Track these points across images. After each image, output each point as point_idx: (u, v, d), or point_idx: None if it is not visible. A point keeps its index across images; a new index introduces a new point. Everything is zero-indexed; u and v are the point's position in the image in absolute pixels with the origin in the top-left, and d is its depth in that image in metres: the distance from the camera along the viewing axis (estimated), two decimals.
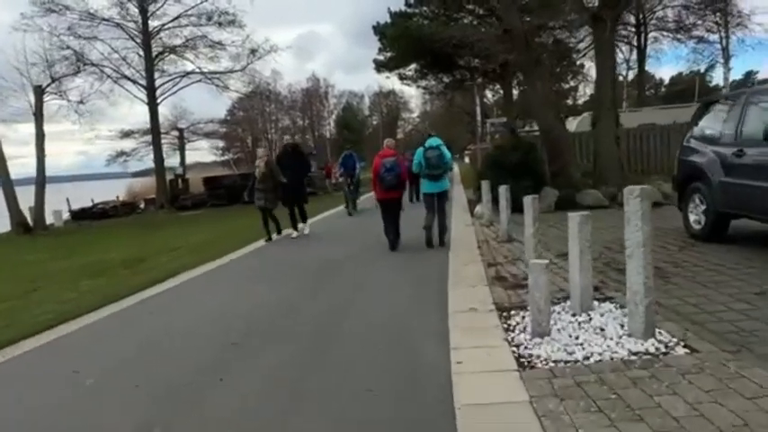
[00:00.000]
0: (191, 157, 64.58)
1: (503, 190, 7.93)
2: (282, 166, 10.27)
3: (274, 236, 10.48)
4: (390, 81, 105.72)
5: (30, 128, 23.34)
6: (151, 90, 28.67)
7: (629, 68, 50.07)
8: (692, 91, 41.33)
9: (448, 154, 7.82)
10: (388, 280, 6.21)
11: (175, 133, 38.25)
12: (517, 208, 7.46)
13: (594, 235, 4.33)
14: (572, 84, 64.90)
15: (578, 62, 47.79)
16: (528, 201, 5.87)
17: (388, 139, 9.32)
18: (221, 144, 58.93)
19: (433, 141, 7.74)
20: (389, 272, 6.69)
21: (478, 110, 24.66)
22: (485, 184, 9.57)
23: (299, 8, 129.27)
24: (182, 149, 38.29)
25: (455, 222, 10.40)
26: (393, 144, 8.75)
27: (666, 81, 58.34)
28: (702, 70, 41.22)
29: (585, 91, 65.34)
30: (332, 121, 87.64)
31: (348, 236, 10.64)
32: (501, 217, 7.87)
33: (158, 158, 29.88)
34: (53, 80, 23.59)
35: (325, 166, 30.50)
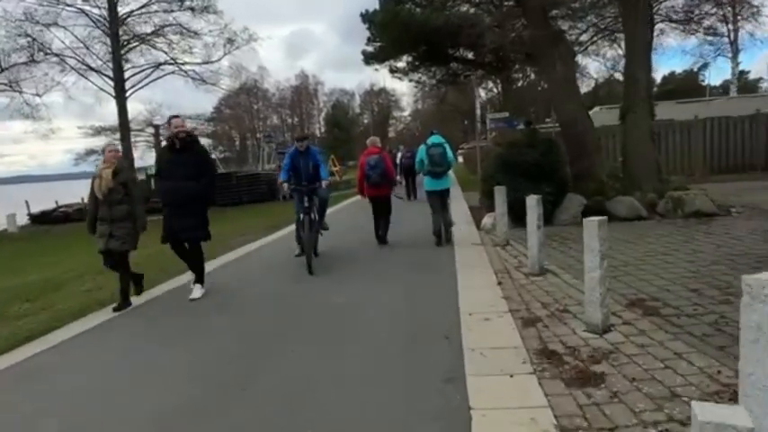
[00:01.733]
0: None
1: (533, 202, 5.75)
2: (163, 174, 5.89)
3: (134, 298, 5.84)
4: (381, 77, 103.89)
5: (24, 125, 20.89)
6: (119, 82, 26.20)
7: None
8: (683, 90, 39.79)
9: (450, 152, 7.79)
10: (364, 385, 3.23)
11: (151, 130, 35.88)
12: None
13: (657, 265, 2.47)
14: None
15: (576, 59, 46.27)
16: (594, 225, 3.67)
17: (370, 137, 8.96)
18: (207, 142, 56.80)
19: (436, 139, 7.75)
20: (368, 366, 3.54)
21: (477, 103, 22.51)
22: (499, 192, 7.38)
23: (291, 6, 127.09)
24: (158, 147, 35.81)
25: (458, 238, 8.24)
26: (376, 142, 8.43)
27: (659, 80, 56.57)
28: (696, 69, 39.63)
29: (583, 89, 64.04)
30: (321, 120, 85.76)
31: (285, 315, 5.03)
32: (530, 241, 5.69)
33: (127, 158, 27.40)
34: (2, 69, 21.09)
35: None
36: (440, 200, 7.78)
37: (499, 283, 5.27)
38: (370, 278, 6.10)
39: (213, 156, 64.71)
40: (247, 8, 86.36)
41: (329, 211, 15.31)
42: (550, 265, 5.79)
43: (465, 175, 28.11)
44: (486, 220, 8.91)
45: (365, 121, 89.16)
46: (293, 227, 9.62)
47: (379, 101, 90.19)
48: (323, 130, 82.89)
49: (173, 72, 27.72)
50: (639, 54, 9.95)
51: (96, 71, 26.24)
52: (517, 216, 8.35)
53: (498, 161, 9.27)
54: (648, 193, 9.44)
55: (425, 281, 5.71)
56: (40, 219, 25.80)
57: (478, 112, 20.59)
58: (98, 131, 34.45)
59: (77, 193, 30.06)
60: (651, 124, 9.96)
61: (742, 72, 45.12)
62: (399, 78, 28.37)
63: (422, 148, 7.87)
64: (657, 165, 9.92)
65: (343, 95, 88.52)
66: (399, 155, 17.06)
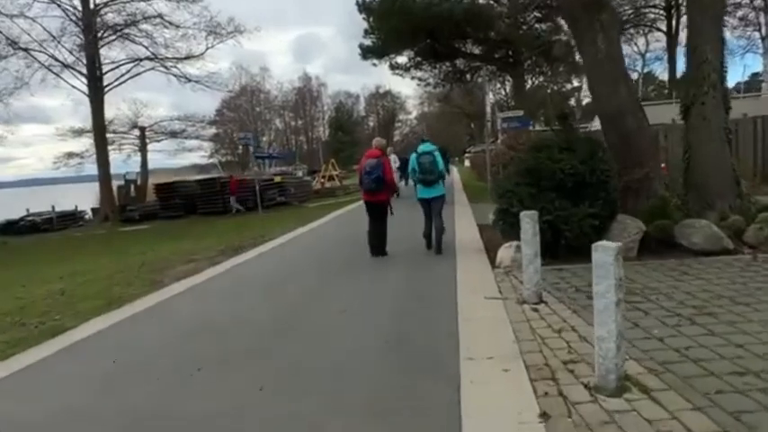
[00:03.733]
0: (187, 159, 59.78)
1: (608, 256, 3.00)
2: None
3: None
4: (387, 80, 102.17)
5: (33, 128, 18.65)
6: (93, 79, 23.94)
7: (644, 65, 45.62)
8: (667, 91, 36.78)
9: (440, 161, 7.54)
10: None
11: (136, 132, 33.59)
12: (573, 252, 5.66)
13: None
14: (575, 83, 61.10)
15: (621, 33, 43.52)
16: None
17: (376, 138, 8.41)
18: (208, 145, 54.40)
19: (426, 147, 7.60)
20: None
21: (488, 99, 19.91)
22: (529, 221, 4.70)
23: (297, 10, 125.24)
24: (143, 150, 33.52)
25: (466, 282, 5.72)
26: (382, 144, 8.02)
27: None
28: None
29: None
30: (325, 122, 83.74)
31: None
32: (598, 326, 3.01)
33: (103, 160, 25.12)
34: None
35: (230, 180, 23.13)
36: (431, 207, 7.61)
37: (542, 416, 2.70)
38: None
39: (214, 159, 62.84)
40: (252, 12, 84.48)
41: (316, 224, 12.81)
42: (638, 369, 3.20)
43: (473, 181, 25.52)
44: (504, 252, 6.34)
45: (371, 123, 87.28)
46: (261, 250, 8.78)
47: (385, 103, 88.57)
48: (326, 133, 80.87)
49: (152, 68, 25.41)
50: (709, 25, 7.36)
51: (69, 67, 23.99)
52: (548, 248, 5.82)
53: (519, 170, 6.70)
54: (725, 213, 6.86)
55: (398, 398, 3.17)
56: (5, 229, 23.53)
57: (488, 109, 17.97)
58: (78, 133, 32.19)
59: (57, 200, 27.84)
60: (725, 120, 7.37)
61: (755, 74, 42.19)
62: (400, 75, 25.91)
63: (413, 156, 7.74)
64: (735, 174, 7.31)
65: (348, 98, 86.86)
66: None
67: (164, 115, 60.32)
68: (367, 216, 7.61)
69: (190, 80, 25.98)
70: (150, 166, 32.91)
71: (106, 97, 24.51)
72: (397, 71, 25.86)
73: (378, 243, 7.54)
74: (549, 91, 55.98)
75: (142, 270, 8.61)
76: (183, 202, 23.89)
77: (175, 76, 25.72)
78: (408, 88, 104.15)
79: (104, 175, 25.00)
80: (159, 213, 23.83)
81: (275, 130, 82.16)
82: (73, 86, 24.33)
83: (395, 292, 5.53)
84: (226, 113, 76.73)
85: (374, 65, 23.98)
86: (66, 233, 22.77)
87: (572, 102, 64.37)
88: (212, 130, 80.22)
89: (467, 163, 50.30)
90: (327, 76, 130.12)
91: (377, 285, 5.92)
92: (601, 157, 6.39)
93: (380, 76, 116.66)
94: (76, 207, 26.98)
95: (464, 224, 10.23)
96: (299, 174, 44.08)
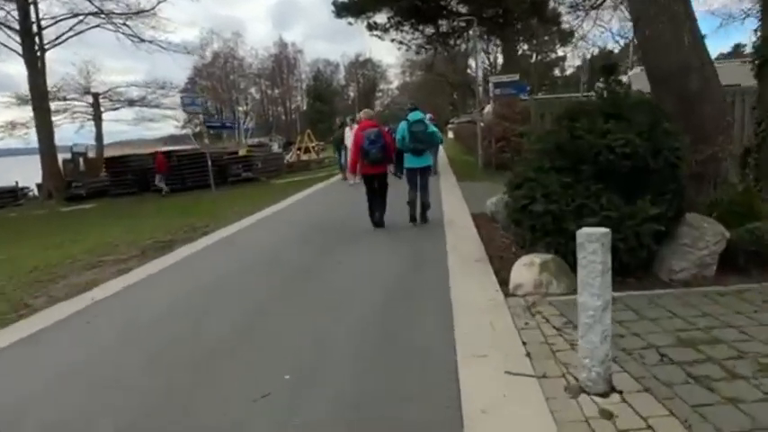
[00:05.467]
0: (161, 131, 56.30)
1: None
2: None
3: None
4: (367, 48, 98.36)
5: None
6: (27, 36, 20.88)
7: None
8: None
9: (436, 130, 7.64)
10: None
11: (89, 99, 30.51)
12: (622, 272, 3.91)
13: None
14: (560, 53, 58.96)
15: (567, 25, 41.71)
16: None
17: (364, 110, 8.28)
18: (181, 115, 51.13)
19: (417, 115, 7.31)
20: None
21: (476, 62, 17.56)
22: (593, 245, 2.55)
23: None
24: (97, 120, 30.53)
25: (462, 321, 3.66)
26: (372, 115, 7.90)
27: None
28: None
29: (575, 61, 59.58)
30: (303, 92, 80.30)
31: None
32: None
33: (45, 132, 22.19)
34: None
35: (156, 156, 19.96)
36: (420, 177, 7.40)
37: None
38: None
39: (187, 130, 59.38)
40: None
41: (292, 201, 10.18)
42: None
43: (459, 155, 23.38)
44: (523, 272, 4.24)
45: (351, 93, 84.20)
46: (194, 248, 7.26)
47: (365, 72, 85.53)
48: (305, 103, 77.57)
49: (98, 26, 22.36)
50: None
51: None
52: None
53: (545, 147, 4.57)
54: None
55: None
56: None
57: (479, 71, 15.70)
58: (24, 101, 28.98)
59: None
60: None
61: (738, 45, 40.35)
62: (379, 37, 23.37)
63: (402, 124, 7.40)
64: None
65: (327, 66, 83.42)
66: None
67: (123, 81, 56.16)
68: (365, 193, 7.43)
69: (143, 40, 23.01)
70: (122, 137, 30.09)
71: (57, 61, 21.50)
72: (375, 32, 23.33)
73: (380, 214, 7.41)
74: (533, 60, 53.81)
75: (22, 281, 6.36)
76: (136, 178, 21.33)
77: (125, 35, 22.72)
78: (390, 56, 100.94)
79: (47, 148, 22.11)
80: (109, 190, 21.25)
81: (252, 100, 78.72)
82: (4, 45, 21.22)
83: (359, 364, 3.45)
84: (198, 82, 73.01)
85: (350, 23, 21.41)
86: (2, 213, 20.11)
87: (556, 72, 62.33)
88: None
89: (450, 134, 48.13)
90: (309, 45, 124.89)
91: (329, 330, 3.84)
92: (667, 130, 4.28)
93: (362, 44, 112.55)
94: (17, 183, 24.09)
95: (456, 213, 8.15)
96: (275, 146, 41.37)
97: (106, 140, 31.63)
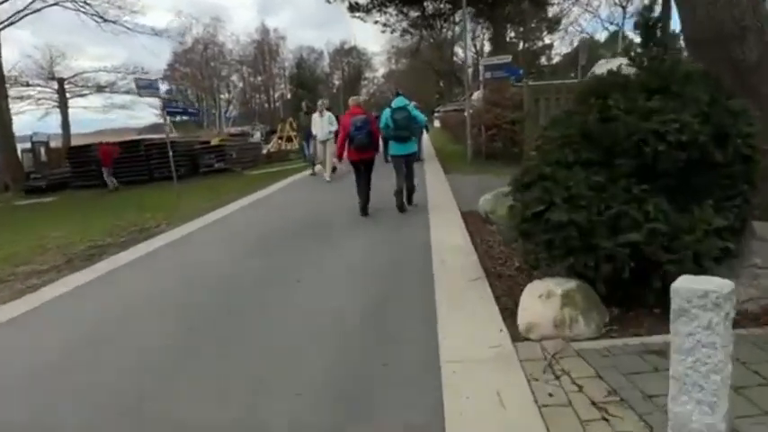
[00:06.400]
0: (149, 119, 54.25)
1: None
2: None
3: None
4: (352, 35, 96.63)
5: None
6: None
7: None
8: None
9: (420, 114, 7.50)
10: None
11: (55, 86, 28.70)
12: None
13: None
14: (546, 41, 57.95)
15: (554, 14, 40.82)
16: None
17: (352, 97, 8.16)
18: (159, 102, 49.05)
19: (400, 102, 7.27)
20: None
21: (465, 41, 16.29)
22: (714, 312, 1.49)
23: None
24: (63, 107, 28.74)
25: (454, 383, 2.51)
26: (359, 101, 7.82)
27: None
28: None
29: (562, 49, 58.74)
30: (285, 79, 78.31)
31: None
32: None
33: (2, 119, 20.51)
34: None
35: (100, 148, 18.19)
36: (405, 164, 7.29)
37: None
38: None
39: (166, 119, 57.26)
40: None
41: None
42: None
43: (447, 144, 22.18)
44: (540, 308, 3.06)
45: (336, 81, 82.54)
46: (128, 257, 6.09)
47: (350, 60, 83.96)
48: (288, 91, 75.60)
49: (56, 3, 20.64)
50: None
51: None
52: (616, 290, 2.69)
53: (567, 135, 3.39)
54: None
55: None
56: None
57: (468, 53, 14.47)
58: None
59: None
60: None
61: None
62: (361, 19, 22.01)
63: (386, 111, 7.42)
64: None
65: (311, 53, 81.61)
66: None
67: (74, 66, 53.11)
68: (354, 181, 7.36)
69: (105, 20, 21.33)
70: (108, 125, 28.31)
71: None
72: (357, 14, 21.95)
73: (364, 203, 7.33)
74: (520, 48, 52.63)
75: None
76: (101, 169, 19.83)
77: (87, 14, 21.02)
78: (376, 45, 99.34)
79: (4, 137, 20.47)
80: (72, 182, 19.71)
81: (234, 88, 76.69)
82: None
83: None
84: (178, 68, 70.87)
85: (328, 2, 19.98)
86: None
87: (543, 60, 61.21)
88: (163, 86, 74.12)
89: (437, 123, 46.89)
90: (296, 33, 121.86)
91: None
92: (731, 109, 3.13)
93: (349, 32, 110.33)
94: None
95: (443, 213, 6.97)
96: (257, 135, 39.71)
97: (88, 129, 29.99)
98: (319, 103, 11.94)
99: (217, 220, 8.21)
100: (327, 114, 11.28)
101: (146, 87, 11.17)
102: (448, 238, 5.52)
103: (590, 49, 40.04)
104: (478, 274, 4.17)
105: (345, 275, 4.58)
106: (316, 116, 11.43)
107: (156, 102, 44.71)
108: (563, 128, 3.34)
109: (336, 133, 10.90)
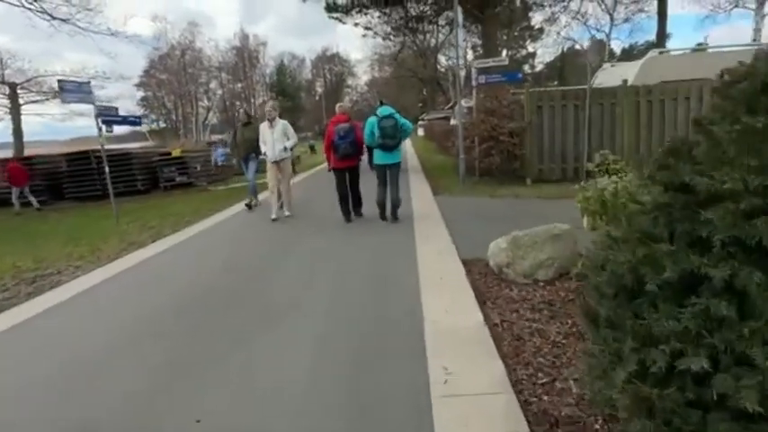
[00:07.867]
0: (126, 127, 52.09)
1: None
2: None
3: None
4: (334, 43, 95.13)
5: None
6: None
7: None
8: None
9: (407, 122, 7.10)
10: None
11: (5, 90, 26.32)
12: None
13: None
14: (530, 49, 57.28)
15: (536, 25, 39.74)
16: None
17: (339, 103, 7.83)
18: (136, 110, 46.74)
19: (386, 110, 7.05)
20: None
21: (459, 37, 14.59)
22: None
23: None
24: (15, 114, 26.36)
25: None
26: (346, 108, 7.56)
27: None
28: None
29: (545, 57, 58.24)
30: (266, 87, 76.34)
31: None
32: None
33: None
34: None
35: (8, 166, 16.06)
36: (390, 174, 7.14)
37: None
38: None
39: (143, 127, 54.61)
40: None
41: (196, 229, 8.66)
42: None
43: (431, 154, 20.42)
44: None
45: (318, 89, 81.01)
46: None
47: (332, 67, 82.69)
48: (269, 97, 73.58)
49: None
50: None
51: None
52: None
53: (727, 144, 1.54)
54: None
55: None
56: None
57: (460, 56, 12.71)
58: None
59: None
60: None
61: (700, 44, 39.05)
62: (339, 20, 20.17)
63: (372, 119, 7.03)
64: None
65: (293, 60, 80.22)
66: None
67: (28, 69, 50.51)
68: (336, 188, 7.38)
69: (54, 17, 19.15)
70: (89, 132, 25.72)
71: None
72: (335, 14, 20.12)
73: (353, 207, 7.50)
74: (502, 56, 51.58)
75: None
76: (47, 184, 17.65)
77: (31, 10, 18.84)
78: (359, 52, 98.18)
79: None
80: (9, 199, 17.41)
81: (213, 95, 74.51)
82: None
83: None
84: (154, 74, 68.56)
85: (303, 0, 18.14)
86: None
87: (526, 68, 60.28)
88: (139, 93, 71.30)
89: (420, 131, 45.28)
90: (280, 40, 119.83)
91: None
92: None
93: (332, 40, 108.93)
94: None
95: (436, 264, 5.07)
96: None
97: (65, 136, 27.51)
98: (268, 107, 8.37)
99: (138, 264, 6.21)
100: (281, 123, 8.12)
101: (72, 92, 9.15)
102: (449, 316, 3.62)
103: (598, 51, 38.83)
104: (504, 386, 2.26)
105: (267, 409, 2.67)
106: (264, 127, 8.15)
107: (130, 107, 42.00)
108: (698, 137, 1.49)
109: (292, 149, 8.66)
